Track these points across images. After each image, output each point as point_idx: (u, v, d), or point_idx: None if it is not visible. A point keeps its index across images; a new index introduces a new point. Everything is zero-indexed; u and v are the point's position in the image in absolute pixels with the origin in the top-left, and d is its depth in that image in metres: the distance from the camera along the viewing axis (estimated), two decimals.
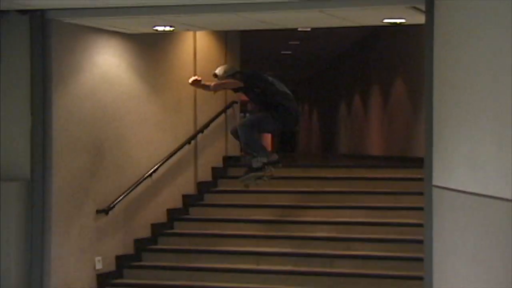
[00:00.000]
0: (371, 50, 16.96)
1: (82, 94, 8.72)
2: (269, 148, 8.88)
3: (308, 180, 11.01)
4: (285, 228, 9.67)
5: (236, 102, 11.99)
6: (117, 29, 9.03)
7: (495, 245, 5.20)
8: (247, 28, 9.59)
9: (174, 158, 10.28)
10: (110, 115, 9.17)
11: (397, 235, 9.26)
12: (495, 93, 5.21)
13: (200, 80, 8.50)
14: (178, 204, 10.52)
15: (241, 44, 12.56)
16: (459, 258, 6.12)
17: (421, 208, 7.62)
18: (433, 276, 6.98)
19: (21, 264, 8.15)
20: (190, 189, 10.81)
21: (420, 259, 7.57)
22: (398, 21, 8.32)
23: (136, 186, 9.49)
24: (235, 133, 8.67)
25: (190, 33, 10.87)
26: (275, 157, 8.74)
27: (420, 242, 7.59)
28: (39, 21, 8.22)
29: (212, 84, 8.49)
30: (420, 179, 7.53)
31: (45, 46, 8.26)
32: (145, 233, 9.83)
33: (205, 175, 11.12)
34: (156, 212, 10.06)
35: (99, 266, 8.91)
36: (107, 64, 9.16)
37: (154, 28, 8.78)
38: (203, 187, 10.96)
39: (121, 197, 9.19)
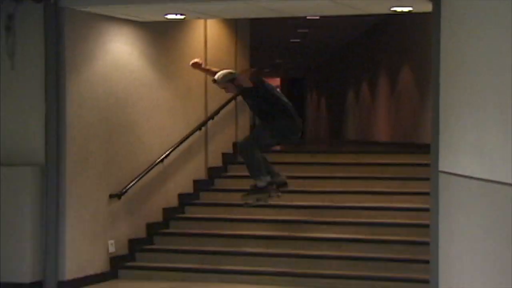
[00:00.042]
0: (379, 38, 16.91)
1: (95, 81, 8.73)
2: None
3: (316, 165, 11.01)
4: (293, 213, 9.68)
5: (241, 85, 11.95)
6: (129, 17, 9.03)
7: (500, 230, 5.20)
8: (257, 16, 9.57)
9: (185, 144, 10.29)
10: (122, 101, 9.19)
11: (403, 220, 9.26)
12: (501, 81, 5.19)
13: (200, 64, 8.43)
14: (189, 189, 10.54)
15: (251, 32, 12.54)
16: (465, 242, 6.12)
17: (427, 193, 7.62)
18: (439, 260, 6.99)
19: (36, 248, 8.20)
20: (201, 175, 10.83)
21: (426, 243, 7.58)
22: (405, 9, 8.29)
23: (148, 171, 9.51)
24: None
25: (201, 22, 10.86)
26: (282, 178, 8.35)
27: (426, 226, 7.60)
28: (53, 9, 8.24)
29: (219, 73, 8.30)
30: (427, 165, 7.53)
31: (58, 34, 8.28)
32: (157, 217, 9.86)
33: (216, 161, 11.14)
34: (167, 196, 10.08)
35: (112, 249, 8.94)
36: (119, 52, 9.17)
37: (166, 16, 8.78)
38: (213, 173, 10.98)
39: (133, 182, 9.21)
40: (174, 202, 10.21)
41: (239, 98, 11.75)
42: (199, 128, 10.61)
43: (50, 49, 8.24)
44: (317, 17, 12.89)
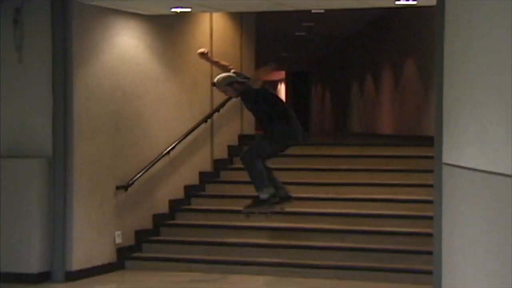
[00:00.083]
0: (383, 32, 16.87)
1: (102, 74, 8.72)
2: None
3: (321, 158, 11.01)
4: (298, 205, 9.65)
5: (249, 78, 11.93)
6: (135, 11, 9.02)
7: (503, 221, 5.19)
8: (263, 9, 9.55)
9: (191, 136, 10.29)
10: (129, 94, 9.18)
11: (407, 211, 9.26)
12: (504, 73, 5.17)
13: (206, 53, 8.41)
14: (195, 181, 10.54)
15: (256, 25, 12.51)
16: (468, 233, 6.11)
17: (431, 185, 7.61)
18: (442, 251, 6.98)
19: (44, 238, 8.21)
20: (207, 167, 10.83)
21: (429, 235, 7.57)
22: (410, 2, 8.26)
23: (155, 163, 9.51)
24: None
25: (207, 15, 10.84)
26: (286, 192, 8.25)
27: (430, 218, 7.59)
28: (60, 3, 8.24)
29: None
30: (430, 157, 7.51)
31: (66, 27, 8.27)
32: (163, 208, 9.87)
33: (221, 153, 11.14)
34: (173, 188, 10.09)
35: (118, 240, 8.95)
36: (126, 45, 9.16)
37: (172, 10, 8.76)
38: (219, 165, 10.98)
39: (140, 174, 9.21)
40: (180, 194, 10.21)
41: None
42: (204, 120, 10.61)
43: (58, 42, 8.25)
44: (322, 11, 12.87)
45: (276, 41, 20.45)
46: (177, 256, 9.09)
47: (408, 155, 10.59)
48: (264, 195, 7.98)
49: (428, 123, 12.46)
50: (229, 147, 11.29)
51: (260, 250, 8.98)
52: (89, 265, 8.48)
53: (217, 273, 8.63)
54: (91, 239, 8.53)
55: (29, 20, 8.27)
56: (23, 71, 8.33)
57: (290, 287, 8.10)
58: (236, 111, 11.58)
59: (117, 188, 8.92)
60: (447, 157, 6.82)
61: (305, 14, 14.84)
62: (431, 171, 7.49)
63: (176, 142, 9.91)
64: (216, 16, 11.04)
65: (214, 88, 8.22)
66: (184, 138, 10.09)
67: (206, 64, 10.71)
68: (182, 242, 9.33)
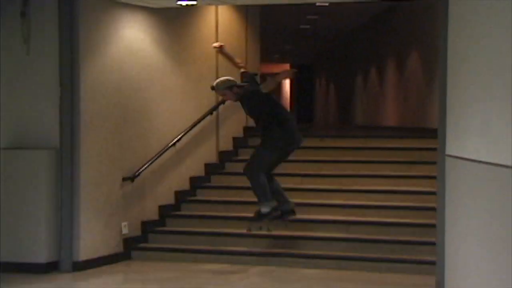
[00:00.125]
0: (387, 24, 16.84)
1: (108, 66, 8.73)
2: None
3: (325, 149, 11.01)
4: (303, 196, 9.69)
5: (256, 74, 11.95)
6: (142, 4, 9.01)
7: (506, 213, 5.19)
8: (267, 2, 9.54)
9: (197, 128, 10.30)
10: (135, 86, 9.19)
11: (411, 203, 9.25)
12: (507, 65, 5.17)
13: (222, 46, 8.40)
14: (201, 172, 10.56)
15: (261, 18, 12.51)
16: (471, 225, 6.12)
17: (434, 177, 7.62)
18: (445, 242, 6.99)
19: (51, 229, 8.24)
20: (212, 158, 10.84)
21: (432, 226, 7.58)
22: None
23: (161, 155, 9.53)
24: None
25: (212, 8, 10.83)
26: (290, 206, 8.25)
27: (433, 209, 7.60)
28: None
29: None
30: (434, 149, 7.52)
31: (73, 20, 8.28)
32: (169, 199, 9.89)
33: (226, 145, 11.15)
34: (179, 180, 10.10)
35: (125, 231, 8.98)
36: (132, 38, 9.17)
37: (178, 3, 8.76)
38: (224, 156, 10.99)
39: (146, 165, 9.23)
40: (185, 185, 10.23)
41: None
42: (210, 112, 10.61)
43: (65, 35, 8.25)
44: (326, 4, 12.86)
45: (281, 34, 20.43)
46: (183, 246, 9.11)
47: (412, 147, 10.58)
48: (265, 209, 8.00)
49: (431, 116, 12.45)
50: (234, 139, 11.30)
51: (265, 240, 8.99)
52: (96, 255, 8.50)
53: (222, 263, 8.65)
54: (98, 229, 8.55)
55: (36, 13, 8.28)
56: (30, 64, 8.34)
57: (294, 277, 8.11)
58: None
59: (124, 179, 8.94)
60: (450, 149, 6.83)
61: (310, 7, 14.84)
62: (434, 163, 7.51)
63: (182, 134, 9.92)
64: (222, 9, 11.03)
65: (213, 91, 8.23)
66: (190, 130, 10.10)
67: (211, 57, 10.75)
68: (188, 233, 9.35)
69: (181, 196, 10.04)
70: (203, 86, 10.57)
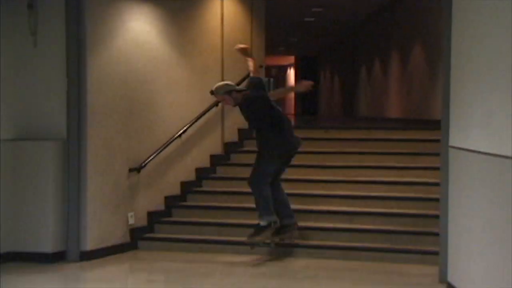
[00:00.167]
0: (391, 17, 16.81)
1: (115, 58, 8.74)
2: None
3: (329, 141, 11.01)
4: (307, 187, 9.69)
5: (261, 66, 11.96)
6: None
7: (508, 203, 5.19)
8: None
9: (202, 119, 10.30)
10: (141, 78, 9.20)
11: (414, 193, 9.25)
12: (509, 58, 5.16)
13: (246, 48, 8.38)
14: (206, 163, 10.57)
15: (266, 11, 12.49)
16: (474, 215, 6.12)
17: (437, 168, 7.61)
18: (448, 232, 6.99)
19: (59, 219, 8.26)
20: (217, 150, 10.85)
21: (436, 216, 7.58)
22: None
23: (166, 146, 9.54)
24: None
25: (217, 1, 10.83)
26: (292, 219, 8.19)
27: (436, 200, 7.60)
28: None
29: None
30: (437, 140, 7.51)
31: (80, 12, 8.28)
32: (175, 190, 9.90)
33: (232, 136, 11.15)
34: (185, 171, 10.12)
35: (131, 221, 8.99)
36: (138, 30, 9.16)
37: None
38: (229, 148, 11.00)
39: (152, 156, 9.24)
40: (191, 176, 10.24)
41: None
42: (215, 104, 10.61)
43: (72, 27, 8.25)
44: None
45: (286, 27, 20.42)
46: (189, 236, 9.13)
47: (415, 138, 10.58)
48: (263, 222, 7.97)
49: (435, 107, 12.44)
50: (240, 130, 11.30)
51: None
52: (103, 245, 8.52)
53: (227, 253, 8.67)
54: (105, 220, 8.57)
55: (43, 5, 8.28)
56: (37, 56, 8.35)
57: (299, 267, 8.13)
58: None
59: (130, 170, 8.95)
60: (453, 140, 6.82)
61: (314, 0, 14.81)
62: (437, 154, 7.50)
63: (188, 126, 9.93)
64: (227, 1, 11.02)
65: (212, 95, 8.22)
66: (195, 121, 10.10)
67: (217, 49, 10.75)
68: (194, 223, 9.36)
69: (187, 187, 10.05)
70: (209, 78, 10.57)
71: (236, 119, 11.29)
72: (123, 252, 8.77)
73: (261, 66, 11.89)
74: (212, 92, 8.13)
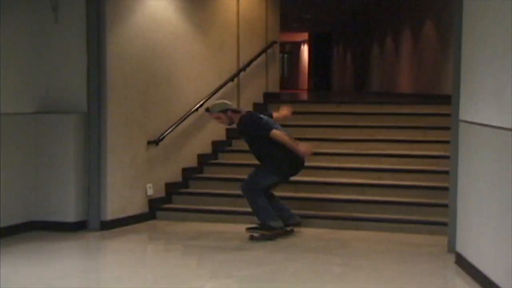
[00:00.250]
0: None
1: (133, 34, 8.74)
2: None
3: (342, 115, 11.00)
4: (320, 159, 9.70)
5: (276, 42, 11.93)
6: None
7: None
8: None
9: (219, 94, 10.31)
10: (159, 53, 9.20)
11: (424, 166, 9.26)
12: None
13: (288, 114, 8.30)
14: (222, 136, 10.59)
15: None
16: (483, 188, 6.12)
17: (447, 142, 7.60)
18: (457, 204, 6.99)
19: (80, 190, 8.33)
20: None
21: (445, 188, 7.59)
22: None
23: (184, 120, 9.56)
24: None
25: None
26: (294, 218, 8.02)
27: (446, 172, 7.60)
28: None
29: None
30: (448, 115, 7.49)
31: None
32: (192, 162, 9.94)
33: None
34: (201, 143, 10.15)
35: (150, 192, 9.05)
36: (156, 6, 9.15)
37: None
38: None
39: (169, 130, 9.27)
40: (208, 149, 10.28)
41: (269, 51, 11.76)
42: (231, 79, 10.62)
43: (91, 3, 8.26)
44: None
45: (300, 3, 20.30)
46: (205, 207, 9.18)
47: (426, 112, 10.55)
48: (273, 224, 7.84)
49: (446, 82, 12.37)
50: (255, 104, 11.30)
51: (285, 202, 9.01)
52: (122, 215, 8.59)
53: (242, 223, 8.70)
54: (124, 190, 8.63)
55: None
56: (58, 31, 8.37)
57: (312, 237, 8.16)
58: (261, 70, 11.58)
59: (149, 143, 9.00)
60: (463, 115, 6.80)
61: None
62: (448, 128, 7.48)
63: (204, 100, 9.94)
64: None
65: (207, 113, 8.10)
66: (211, 96, 10.11)
67: (233, 25, 10.75)
68: (210, 194, 9.41)
69: (203, 160, 10.09)
70: (225, 53, 10.58)
71: (252, 95, 11.30)
72: (141, 222, 8.84)
73: (275, 42, 11.87)
74: (207, 109, 8.02)
